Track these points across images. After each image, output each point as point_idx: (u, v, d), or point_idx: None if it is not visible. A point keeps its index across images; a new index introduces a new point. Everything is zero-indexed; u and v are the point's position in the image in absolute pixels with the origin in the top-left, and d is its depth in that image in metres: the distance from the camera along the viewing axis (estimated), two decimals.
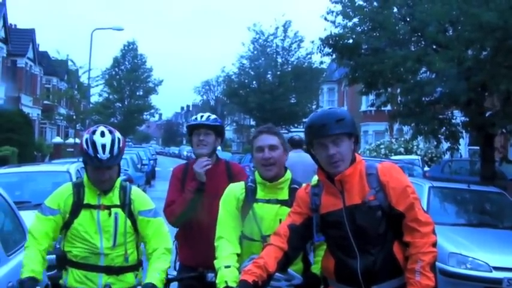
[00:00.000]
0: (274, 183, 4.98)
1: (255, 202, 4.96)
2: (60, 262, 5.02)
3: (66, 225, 4.99)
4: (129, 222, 5.05)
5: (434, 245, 4.26)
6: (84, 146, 4.91)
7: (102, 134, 4.95)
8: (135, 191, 5.22)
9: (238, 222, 4.97)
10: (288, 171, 5.13)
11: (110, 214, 4.99)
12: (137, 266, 5.15)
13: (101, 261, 4.99)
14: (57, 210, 4.97)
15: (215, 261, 4.75)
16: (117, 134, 5.07)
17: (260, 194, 4.99)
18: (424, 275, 4.14)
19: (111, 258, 5.00)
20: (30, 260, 4.77)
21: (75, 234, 4.97)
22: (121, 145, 5.03)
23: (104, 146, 4.88)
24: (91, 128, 5.10)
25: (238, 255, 4.78)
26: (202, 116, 6.14)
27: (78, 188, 5.08)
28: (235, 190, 5.10)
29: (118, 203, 5.07)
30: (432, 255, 4.21)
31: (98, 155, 4.86)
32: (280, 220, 4.82)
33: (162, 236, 5.09)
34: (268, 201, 4.95)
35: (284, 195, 4.99)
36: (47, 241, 4.91)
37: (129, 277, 5.09)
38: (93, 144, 4.88)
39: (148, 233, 5.07)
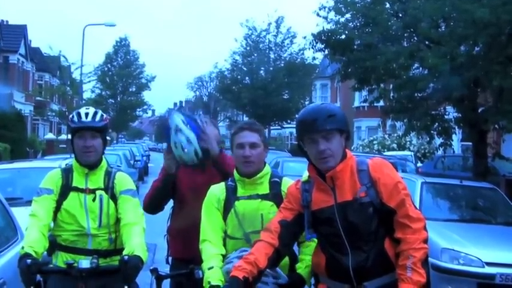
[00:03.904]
0: (252, 178, 4.97)
1: (236, 200, 4.96)
2: (51, 246, 5.15)
3: (57, 207, 5.23)
4: (112, 204, 5.29)
5: (426, 241, 4.24)
6: (70, 117, 5.35)
7: (87, 108, 5.40)
8: (119, 175, 5.48)
9: (220, 223, 4.97)
10: (267, 165, 5.13)
11: (94, 198, 5.25)
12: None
13: (89, 244, 5.20)
14: (52, 190, 5.24)
15: (202, 265, 4.76)
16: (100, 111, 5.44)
17: (240, 191, 4.99)
18: (416, 271, 4.12)
19: (98, 241, 5.23)
20: (29, 239, 4.90)
21: (64, 216, 5.22)
22: (104, 117, 5.36)
23: (87, 114, 5.29)
24: None
25: (223, 255, 4.78)
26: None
27: (66, 172, 5.38)
28: (215, 191, 5.10)
29: (102, 186, 5.35)
30: (423, 251, 4.18)
31: (81, 119, 5.24)
32: (262, 215, 4.85)
33: (139, 214, 5.30)
34: (249, 197, 4.95)
35: (264, 189, 4.98)
36: (47, 218, 5.13)
37: (117, 260, 5.10)
38: (78, 113, 5.31)
39: (125, 207, 5.26)
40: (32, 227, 4.98)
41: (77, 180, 5.32)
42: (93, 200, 5.25)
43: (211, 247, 4.82)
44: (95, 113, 5.29)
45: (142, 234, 5.09)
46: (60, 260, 5.22)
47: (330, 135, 4.31)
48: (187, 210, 5.95)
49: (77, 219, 5.19)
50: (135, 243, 4.89)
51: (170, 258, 6.27)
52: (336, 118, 4.32)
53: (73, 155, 5.42)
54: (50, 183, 5.30)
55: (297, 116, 4.82)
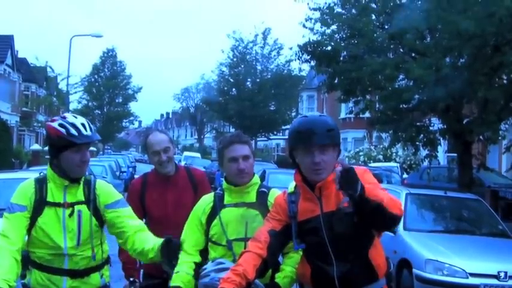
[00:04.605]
0: (239, 187, 4.97)
1: (222, 208, 4.96)
2: (24, 262, 4.80)
3: (31, 224, 4.82)
4: (94, 220, 4.92)
5: (399, 205, 4.19)
6: (62, 130, 4.76)
7: (74, 117, 4.92)
8: (100, 185, 5.06)
9: (200, 236, 5.00)
10: (256, 176, 5.13)
11: (72, 213, 4.85)
12: (103, 265, 5.03)
13: (65, 264, 4.87)
14: (25, 206, 4.81)
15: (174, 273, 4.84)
16: None
17: (227, 199, 4.99)
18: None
19: (76, 261, 4.88)
20: (1, 269, 4.50)
21: (39, 234, 4.82)
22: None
23: (83, 125, 4.83)
24: (54, 118, 5.02)
25: (196, 263, 4.83)
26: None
27: (40, 184, 4.91)
28: (202, 203, 5.12)
29: (83, 199, 4.92)
30: (392, 202, 4.12)
31: (83, 133, 4.79)
32: (247, 223, 4.83)
33: (136, 220, 5.02)
34: (235, 205, 4.94)
35: (251, 198, 4.97)
36: (20, 240, 4.72)
37: (94, 278, 4.96)
38: (73, 124, 4.79)
39: (122, 221, 4.95)
40: (3, 253, 4.58)
41: (53, 194, 4.87)
42: (70, 215, 4.84)
43: (185, 255, 4.86)
44: (89, 124, 4.89)
45: (153, 236, 4.91)
46: (34, 279, 4.92)
47: (326, 149, 4.32)
48: (160, 228, 5.96)
49: (53, 239, 4.81)
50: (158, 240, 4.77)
51: (141, 271, 6.23)
52: (334, 133, 4.33)
53: (47, 168, 5.04)
54: (22, 199, 4.83)
55: (284, 127, 4.75)
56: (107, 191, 5.06)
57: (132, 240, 4.90)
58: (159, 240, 4.74)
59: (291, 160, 4.57)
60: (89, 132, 4.83)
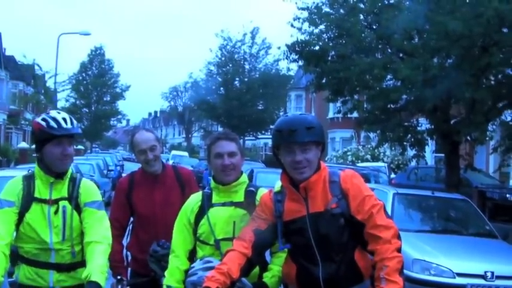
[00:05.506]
0: (227, 186, 4.95)
1: (210, 207, 4.95)
2: (13, 257, 4.88)
3: (19, 219, 4.91)
4: (76, 216, 4.99)
5: (399, 250, 4.18)
6: (43, 123, 4.92)
7: (58, 112, 5.03)
8: (84, 184, 5.16)
9: (188, 236, 5.00)
10: (244, 174, 5.12)
11: (57, 210, 4.94)
12: None
13: (52, 258, 4.95)
14: (13, 202, 4.90)
15: (166, 275, 4.90)
16: None
17: (215, 198, 4.98)
18: (390, 280, 4.05)
19: (62, 255, 4.97)
20: None
21: (27, 229, 4.91)
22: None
23: (64, 119, 4.92)
24: (40, 115, 5.12)
25: (187, 271, 4.82)
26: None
27: (28, 180, 5.03)
28: (191, 202, 5.12)
29: (66, 195, 5.02)
30: (397, 260, 4.12)
31: (62, 125, 4.89)
32: (235, 222, 4.82)
33: (104, 230, 5.00)
34: (223, 204, 4.93)
35: (239, 197, 4.96)
36: (9, 235, 4.78)
37: (81, 273, 4.87)
38: (54, 118, 4.91)
39: (88, 222, 4.96)
40: None
41: (40, 190, 4.98)
42: (56, 212, 4.95)
43: (176, 261, 4.92)
44: (71, 119, 5.00)
45: (105, 253, 4.83)
46: (23, 273, 5.01)
47: (307, 147, 4.30)
48: (147, 227, 6.02)
49: (39, 234, 4.91)
50: (94, 266, 4.64)
51: (129, 270, 6.25)
52: (314, 130, 4.31)
53: (34, 166, 5.10)
54: (11, 195, 4.93)
55: (272, 126, 4.77)
56: (90, 190, 5.14)
57: (85, 249, 4.89)
58: (90, 268, 4.65)
59: (276, 161, 4.57)
60: (69, 126, 4.92)
